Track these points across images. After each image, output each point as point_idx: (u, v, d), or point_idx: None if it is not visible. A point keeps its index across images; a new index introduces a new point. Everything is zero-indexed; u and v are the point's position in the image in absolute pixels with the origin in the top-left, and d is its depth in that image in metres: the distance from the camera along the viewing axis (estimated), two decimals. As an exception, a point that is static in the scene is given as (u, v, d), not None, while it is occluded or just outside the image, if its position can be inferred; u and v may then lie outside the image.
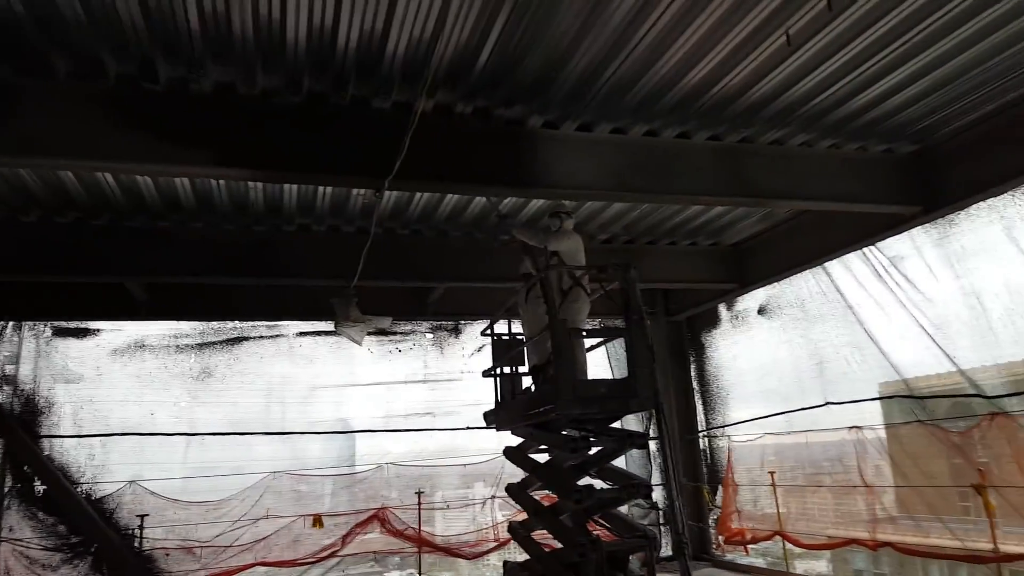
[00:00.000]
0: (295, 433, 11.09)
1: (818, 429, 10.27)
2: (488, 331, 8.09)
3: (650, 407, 6.41)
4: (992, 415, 7.88)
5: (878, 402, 9.55)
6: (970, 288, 7.90)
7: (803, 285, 10.25)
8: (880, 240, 8.61)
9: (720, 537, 11.76)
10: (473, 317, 11.66)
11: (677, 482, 11.49)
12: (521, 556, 8.12)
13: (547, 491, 7.71)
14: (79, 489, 9.97)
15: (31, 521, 9.63)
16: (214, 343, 10.94)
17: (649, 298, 12.53)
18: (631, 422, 11.86)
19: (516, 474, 7.92)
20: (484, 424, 8.37)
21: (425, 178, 6.48)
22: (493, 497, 11.73)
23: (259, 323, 11.11)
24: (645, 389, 6.15)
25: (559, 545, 6.49)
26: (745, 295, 11.39)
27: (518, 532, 7.57)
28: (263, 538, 10.55)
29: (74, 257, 8.42)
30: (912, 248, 8.43)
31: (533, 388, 7.36)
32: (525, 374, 7.71)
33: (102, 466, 10.22)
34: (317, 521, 10.79)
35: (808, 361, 10.24)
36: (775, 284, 10.72)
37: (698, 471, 12.45)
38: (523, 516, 8.19)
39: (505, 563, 7.91)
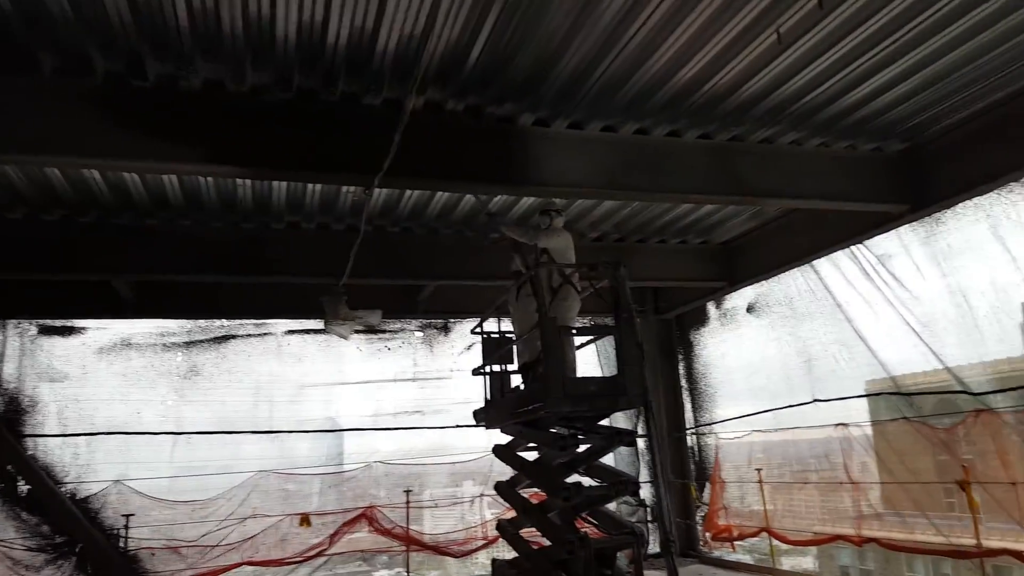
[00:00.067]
0: (283, 432, 11.03)
1: (805, 426, 10.34)
2: (478, 329, 8.08)
3: (639, 405, 6.43)
4: (977, 412, 7.95)
5: (865, 399, 9.62)
6: (956, 286, 7.96)
7: (792, 283, 10.30)
8: (868, 238, 8.66)
9: (707, 534, 11.82)
10: (463, 315, 11.64)
11: (665, 480, 11.57)
12: (510, 554, 8.13)
13: (536, 489, 7.72)
14: (64, 489, 9.87)
15: (14, 521, 9.51)
16: (201, 341, 10.86)
17: (639, 296, 12.56)
18: (620, 420, 11.89)
19: (505, 472, 7.92)
20: (473, 422, 8.37)
21: (415, 176, 6.46)
22: (482, 495, 11.72)
23: (247, 321, 11.04)
24: (634, 387, 6.16)
25: (547, 542, 6.50)
26: (734, 293, 11.44)
27: (506, 530, 7.58)
28: (250, 537, 10.49)
29: (60, 255, 8.35)
30: (900, 246, 8.48)
31: (522, 386, 7.36)
32: (515, 372, 7.71)
33: (87, 465, 10.12)
34: (305, 520, 10.74)
35: (796, 359, 10.29)
36: (764, 282, 10.77)
37: (686, 468, 12.51)
38: (512, 514, 8.20)
39: (493, 561, 7.92)
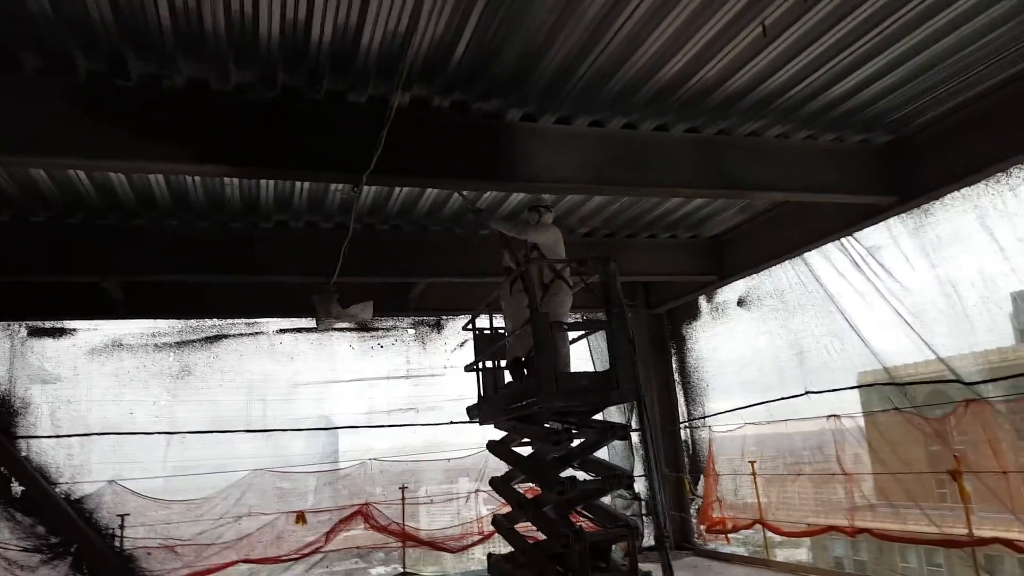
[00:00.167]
0: (277, 430, 11.04)
1: (798, 418, 10.37)
2: (470, 326, 8.09)
3: (631, 399, 6.44)
4: (967, 402, 7.98)
5: (857, 391, 9.65)
6: (946, 277, 7.98)
7: (782, 276, 10.31)
8: (857, 230, 8.67)
9: (701, 526, 11.86)
10: (455, 312, 11.65)
11: (659, 474, 11.60)
12: (505, 548, 8.15)
13: (531, 484, 7.74)
14: (58, 489, 9.87)
15: (9, 522, 9.52)
16: (193, 341, 10.85)
17: (630, 291, 12.57)
18: (613, 414, 11.93)
19: (500, 468, 7.94)
20: (467, 419, 8.38)
21: (403, 173, 6.44)
22: (477, 491, 11.75)
23: (238, 320, 11.02)
24: (626, 381, 6.18)
25: (543, 537, 6.52)
26: (725, 287, 11.45)
27: (502, 525, 7.59)
28: (246, 536, 10.51)
29: (48, 256, 8.31)
30: (889, 238, 8.50)
31: (511, 381, 7.37)
32: (508, 368, 7.71)
33: (81, 466, 10.12)
34: (300, 518, 10.76)
35: (788, 351, 10.31)
36: (754, 276, 10.78)
37: (680, 462, 12.54)
38: (507, 509, 8.22)
39: (489, 555, 7.93)
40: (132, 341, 10.59)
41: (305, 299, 9.02)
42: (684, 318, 12.65)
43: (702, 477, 12.08)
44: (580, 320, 10.53)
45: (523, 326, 6.63)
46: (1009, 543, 7.60)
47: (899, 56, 6.04)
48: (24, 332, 10.18)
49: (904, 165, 7.68)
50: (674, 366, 12.86)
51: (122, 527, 9.98)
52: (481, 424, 8.40)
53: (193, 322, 10.82)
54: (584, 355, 11.92)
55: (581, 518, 6.81)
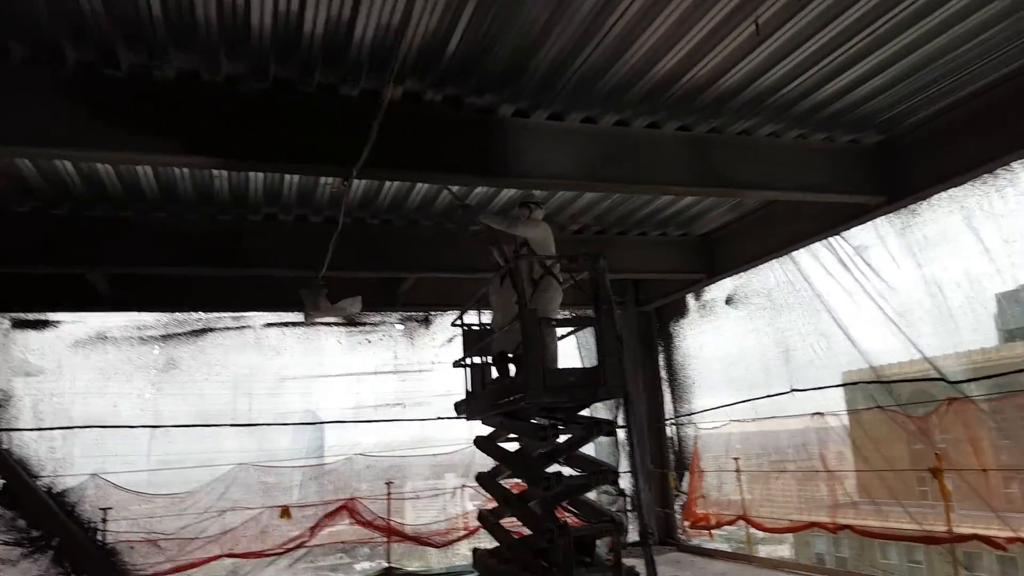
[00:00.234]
0: (263, 425, 10.98)
1: (782, 416, 10.45)
2: (458, 322, 8.07)
3: (618, 396, 6.45)
4: (949, 401, 8.07)
5: (841, 390, 9.73)
6: (932, 277, 8.05)
7: (770, 275, 10.37)
8: (845, 230, 8.73)
9: (686, 522, 11.94)
10: (444, 308, 11.61)
11: (644, 470, 11.65)
12: (491, 544, 8.16)
13: (517, 479, 7.75)
14: (40, 483, 9.76)
15: (-10, 516, 9.42)
16: (178, 334, 10.76)
17: (619, 288, 12.60)
18: (601, 410, 11.96)
19: (486, 464, 7.93)
20: (455, 414, 8.37)
21: (394, 167, 6.42)
22: (463, 487, 11.75)
23: (224, 314, 10.94)
24: (613, 378, 6.17)
25: (528, 532, 6.53)
26: (713, 285, 11.51)
27: (488, 520, 7.60)
28: (230, 530, 10.46)
29: (33, 247, 8.22)
30: (876, 238, 8.56)
31: (496, 376, 7.37)
32: (495, 364, 7.71)
33: (64, 459, 10.03)
34: (285, 513, 10.71)
35: (774, 350, 10.38)
36: (743, 274, 10.84)
37: (665, 458, 12.61)
38: (493, 504, 8.22)
39: (475, 551, 7.93)
40: (117, 334, 10.48)
41: (293, 293, 8.96)
42: (672, 316, 12.70)
43: (687, 473, 12.15)
44: (569, 317, 10.53)
45: (512, 322, 6.62)
46: (987, 540, 7.71)
47: (891, 56, 6.08)
48: (7, 324, 10.05)
49: (893, 165, 7.74)
50: (661, 363, 12.91)
51: (105, 521, 9.89)
52: (468, 420, 8.39)
53: (179, 315, 10.72)
54: (573, 352, 11.96)
55: (566, 513, 6.82)
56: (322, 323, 11.21)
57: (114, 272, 9.46)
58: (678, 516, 12.19)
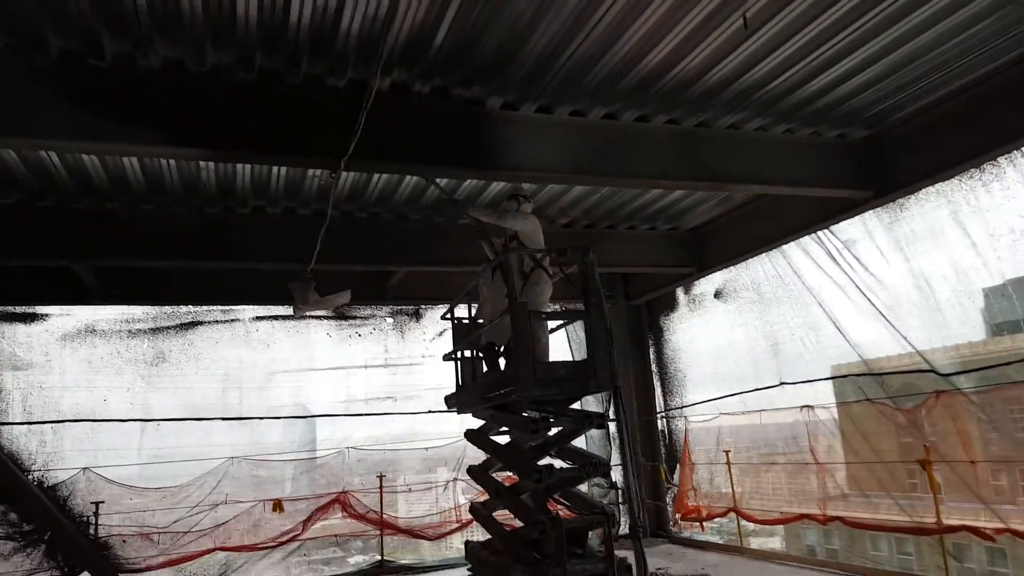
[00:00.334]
0: (253, 418, 10.96)
1: (772, 409, 10.49)
2: (449, 315, 8.07)
3: (608, 388, 6.46)
4: (937, 393, 8.11)
5: (831, 382, 9.78)
6: (919, 271, 8.09)
7: (759, 268, 10.40)
8: (834, 224, 8.76)
9: (677, 514, 12.00)
10: (434, 301, 11.60)
11: (634, 463, 11.68)
12: (483, 536, 8.18)
13: (508, 472, 7.76)
14: (31, 476, 9.72)
15: (-20, 510, 9.39)
16: (167, 328, 10.71)
17: (609, 282, 12.63)
18: (592, 403, 11.98)
19: (478, 457, 7.95)
20: (446, 408, 8.37)
21: (382, 159, 6.39)
22: (455, 479, 11.77)
23: (213, 307, 10.90)
24: (603, 371, 6.19)
25: (520, 524, 6.54)
26: (702, 279, 11.54)
27: (480, 512, 7.62)
28: (222, 523, 10.45)
29: (19, 240, 8.16)
30: (864, 232, 8.60)
31: (486, 368, 7.37)
32: (484, 357, 7.70)
33: (54, 453, 9.98)
34: (277, 506, 10.71)
35: (763, 343, 10.42)
36: (732, 268, 10.86)
37: (656, 451, 12.66)
38: (485, 497, 8.23)
39: (467, 543, 7.96)
40: (105, 327, 10.43)
41: (282, 286, 8.92)
42: (662, 309, 12.73)
43: (678, 466, 12.20)
44: (559, 310, 10.54)
45: (502, 315, 6.62)
46: (976, 531, 7.77)
47: (878, 51, 6.09)
48: (-6, 317, 10.00)
49: (880, 160, 7.77)
50: (652, 357, 12.96)
51: (97, 515, 9.88)
52: (459, 413, 8.41)
53: (168, 308, 10.67)
54: (564, 344, 11.98)
55: (558, 505, 6.84)
56: (312, 316, 11.19)
57: (100, 265, 9.41)
58: (669, 508, 12.24)
